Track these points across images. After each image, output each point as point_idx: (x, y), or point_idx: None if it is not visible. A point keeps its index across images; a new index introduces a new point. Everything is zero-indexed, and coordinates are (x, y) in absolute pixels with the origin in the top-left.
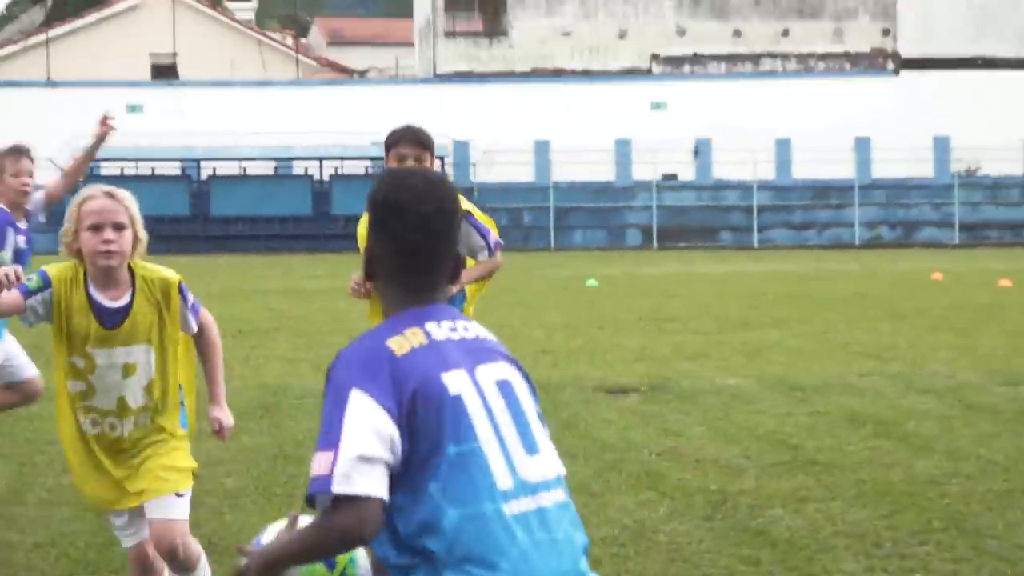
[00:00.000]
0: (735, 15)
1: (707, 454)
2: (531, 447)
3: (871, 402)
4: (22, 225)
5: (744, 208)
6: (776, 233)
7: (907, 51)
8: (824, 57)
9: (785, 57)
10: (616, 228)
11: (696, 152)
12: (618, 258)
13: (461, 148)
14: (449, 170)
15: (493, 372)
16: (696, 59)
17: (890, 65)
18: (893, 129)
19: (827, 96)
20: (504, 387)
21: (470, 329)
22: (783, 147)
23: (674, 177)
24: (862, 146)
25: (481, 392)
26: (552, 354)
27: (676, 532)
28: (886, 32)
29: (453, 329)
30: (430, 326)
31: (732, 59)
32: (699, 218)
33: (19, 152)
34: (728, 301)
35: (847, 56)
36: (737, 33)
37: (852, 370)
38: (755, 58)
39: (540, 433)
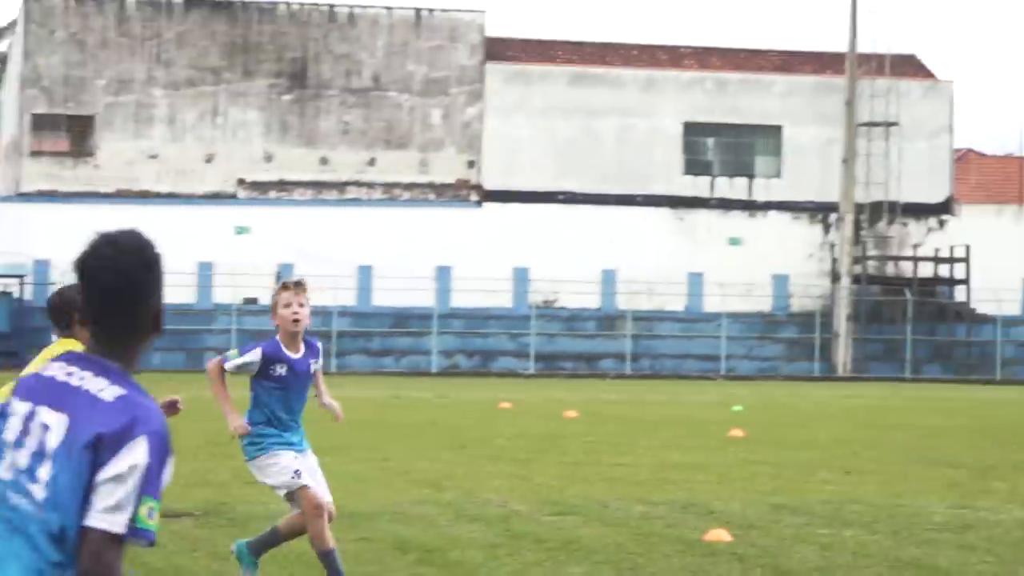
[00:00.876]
0: (323, 143)
1: None
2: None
3: (421, 530)
4: None
5: (323, 333)
6: (354, 359)
7: (491, 183)
8: (410, 187)
9: (371, 185)
10: (195, 351)
11: (278, 276)
12: (193, 381)
13: (42, 267)
14: (29, 290)
15: (47, 415)
16: (282, 185)
17: (474, 196)
18: (475, 259)
19: (411, 224)
20: (42, 428)
21: (79, 379)
22: (365, 274)
23: (255, 301)
24: (443, 275)
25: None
26: None
27: None
28: (471, 164)
29: (69, 373)
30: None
31: (318, 186)
32: None
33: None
34: None
35: (432, 186)
36: (324, 160)
37: (407, 498)
38: (341, 186)
39: (47, 474)
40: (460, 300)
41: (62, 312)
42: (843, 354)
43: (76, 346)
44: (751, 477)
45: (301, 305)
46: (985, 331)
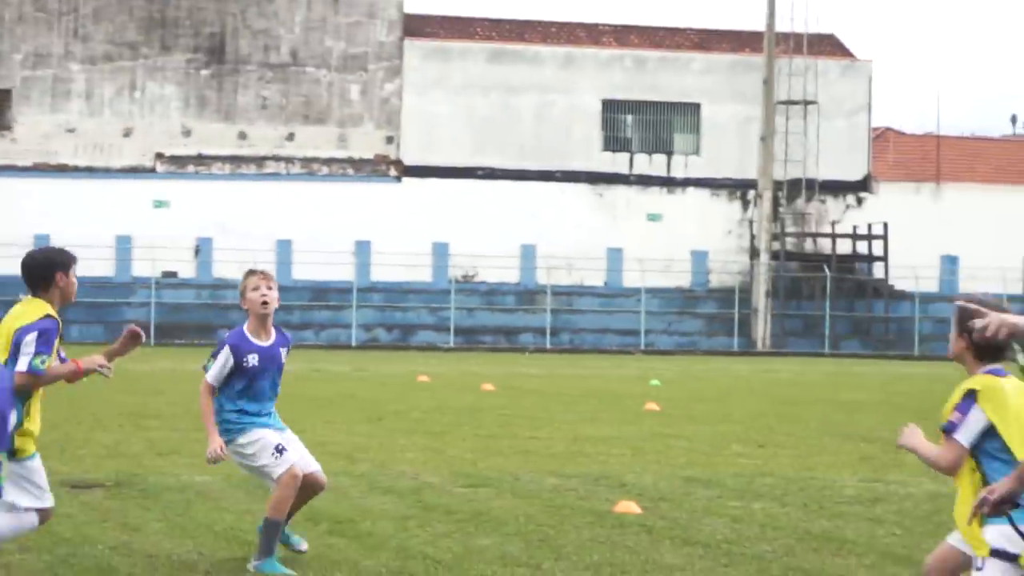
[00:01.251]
0: (241, 117)
1: (161, 549)
2: None
3: (333, 501)
4: None
5: (243, 307)
6: None
7: (410, 159)
8: (328, 162)
9: (289, 160)
10: (114, 324)
11: (197, 250)
12: None
13: None
14: None
15: None
16: (200, 159)
17: (393, 172)
18: (394, 233)
19: (330, 199)
20: None
21: None
22: (284, 248)
23: (174, 275)
24: (363, 249)
25: None
26: None
27: None
28: (390, 139)
29: None
30: None
31: (236, 160)
32: (198, 316)
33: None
34: None
35: (351, 161)
36: (242, 135)
37: (324, 469)
38: (259, 160)
39: None
40: (380, 274)
41: (41, 273)
42: (762, 330)
43: (43, 306)
44: (665, 450)
45: (270, 288)
46: (903, 308)
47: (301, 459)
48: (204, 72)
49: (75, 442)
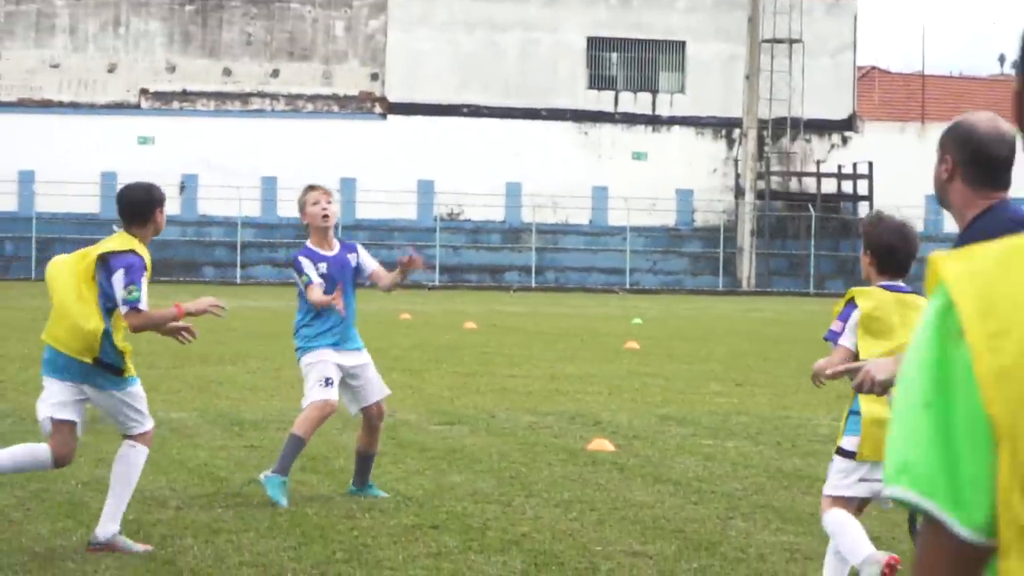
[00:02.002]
0: (226, 54)
1: None
2: None
3: None
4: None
5: (228, 244)
6: (259, 270)
7: (395, 96)
8: (313, 99)
9: (274, 97)
10: None
11: (182, 187)
12: None
13: None
14: None
15: None
16: (185, 96)
17: (378, 109)
18: (378, 171)
19: (315, 136)
20: None
21: None
22: (269, 185)
23: None
24: (348, 186)
25: None
26: (1, 384)
27: (86, 560)
28: (375, 76)
29: None
30: None
31: (221, 97)
32: (183, 253)
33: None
34: None
35: (336, 98)
36: (227, 72)
37: (296, 406)
38: (244, 97)
39: None
40: (365, 212)
41: (141, 209)
42: (747, 269)
43: (131, 240)
44: (641, 389)
45: (329, 202)
46: None
47: (362, 392)
48: (188, 8)
49: None
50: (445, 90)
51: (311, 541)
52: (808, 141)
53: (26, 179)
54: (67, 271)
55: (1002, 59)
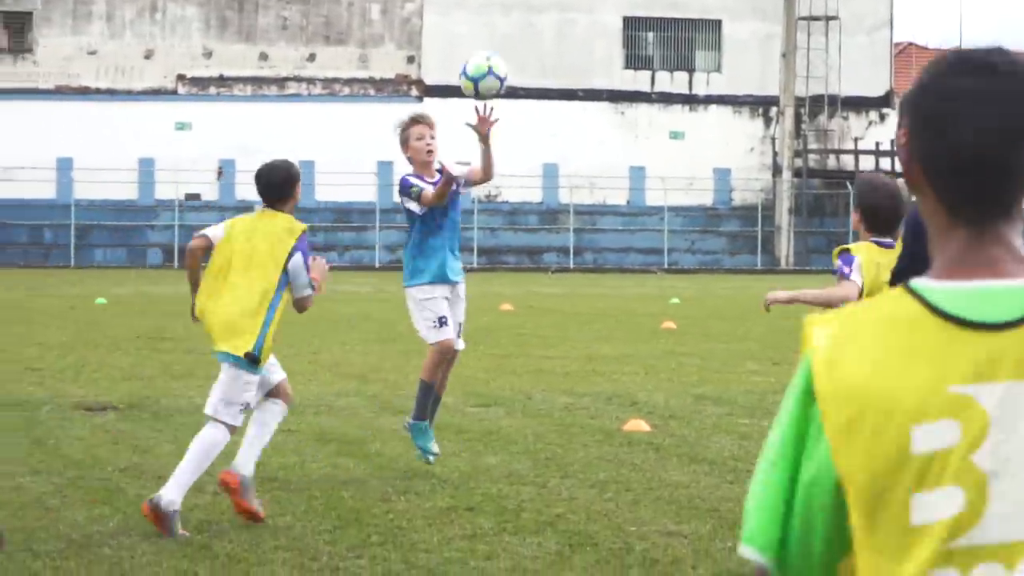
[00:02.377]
0: (262, 39)
1: (169, 471)
2: None
3: (344, 421)
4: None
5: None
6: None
7: (431, 78)
8: (349, 82)
9: (311, 81)
10: (137, 247)
11: (220, 173)
12: (136, 277)
13: None
14: None
15: None
16: (222, 81)
17: (414, 91)
18: None
19: (351, 120)
20: None
21: None
22: (307, 169)
23: (197, 197)
24: (384, 170)
25: None
26: (39, 372)
27: (122, 546)
28: (411, 59)
29: None
30: None
31: (258, 82)
32: None
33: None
34: None
35: (372, 82)
36: (263, 56)
37: (333, 390)
38: (281, 81)
39: None
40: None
41: (282, 186)
42: (785, 247)
43: (280, 217)
44: (677, 368)
45: (432, 137)
46: None
47: (453, 334)
48: None
49: (90, 365)
50: None
51: (347, 524)
52: (845, 118)
53: (64, 166)
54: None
55: None
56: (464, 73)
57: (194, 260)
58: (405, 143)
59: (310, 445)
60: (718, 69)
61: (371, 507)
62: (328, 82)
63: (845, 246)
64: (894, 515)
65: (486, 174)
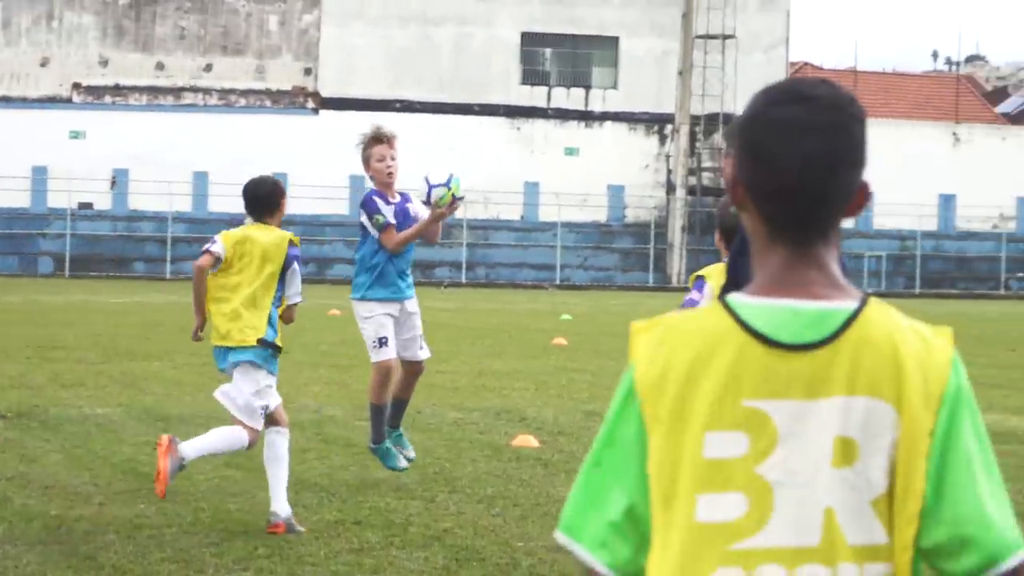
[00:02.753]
0: (159, 48)
1: (57, 480)
2: None
3: None
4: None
5: (158, 239)
6: (189, 265)
7: (328, 91)
8: (246, 93)
9: (207, 92)
10: (29, 255)
11: (113, 182)
12: (26, 286)
13: None
14: None
15: None
16: (118, 90)
17: (310, 104)
18: (310, 166)
19: (247, 131)
20: None
21: None
22: (201, 180)
23: (90, 206)
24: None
25: None
26: None
27: (7, 555)
28: (308, 71)
29: None
30: None
31: (154, 91)
32: (114, 248)
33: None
34: (122, 331)
35: (269, 93)
36: (160, 66)
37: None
38: (177, 91)
39: None
40: (296, 207)
41: (269, 199)
42: (677, 265)
43: (270, 229)
44: (568, 384)
45: (393, 158)
46: None
47: (408, 344)
48: (122, 2)
49: None
50: (378, 85)
51: (233, 537)
52: None
53: None
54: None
55: (935, 55)
56: (447, 184)
57: (202, 278)
58: (366, 162)
59: (199, 458)
60: (614, 86)
61: (258, 520)
62: (224, 93)
63: (700, 272)
64: (682, 512)
65: (431, 240)
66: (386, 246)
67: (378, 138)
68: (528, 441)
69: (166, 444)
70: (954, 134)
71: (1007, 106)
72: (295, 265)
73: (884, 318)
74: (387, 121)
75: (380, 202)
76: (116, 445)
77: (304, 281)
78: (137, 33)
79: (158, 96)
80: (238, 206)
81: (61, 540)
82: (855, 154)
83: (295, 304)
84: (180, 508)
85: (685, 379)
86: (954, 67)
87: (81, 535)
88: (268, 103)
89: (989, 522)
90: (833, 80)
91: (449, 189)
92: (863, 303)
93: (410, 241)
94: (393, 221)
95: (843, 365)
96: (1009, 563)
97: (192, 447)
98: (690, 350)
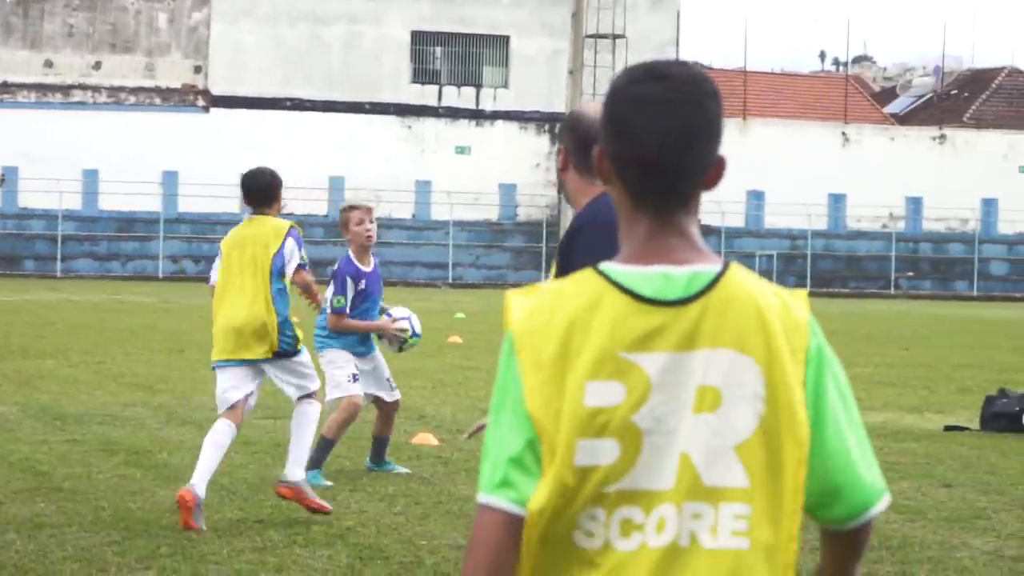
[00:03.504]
0: (47, 45)
1: None
2: None
3: (131, 432)
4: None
5: (49, 238)
6: (80, 264)
7: (218, 89)
8: (136, 91)
9: (96, 89)
10: None
11: (2, 180)
12: None
13: None
14: None
15: None
16: (6, 87)
17: (200, 102)
18: (201, 164)
19: (137, 129)
20: None
21: None
22: (91, 178)
23: None
24: (170, 180)
25: None
26: None
27: None
28: (198, 69)
29: None
30: None
31: (42, 89)
32: (3, 246)
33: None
34: (14, 329)
35: (158, 91)
36: (49, 63)
37: (119, 400)
38: (66, 89)
39: None
40: (187, 205)
41: (267, 191)
42: None
43: (267, 220)
44: (464, 383)
45: (372, 222)
46: (710, 242)
47: (379, 387)
48: None
49: None
50: (269, 83)
51: (135, 535)
52: None
53: None
54: None
55: (823, 55)
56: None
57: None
58: (345, 225)
59: (96, 455)
60: (505, 85)
61: (159, 518)
62: (114, 90)
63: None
64: (563, 456)
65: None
66: (329, 324)
67: (355, 206)
68: (427, 439)
69: (191, 503)
70: (843, 134)
71: (895, 106)
72: (289, 241)
73: (746, 280)
74: (278, 119)
75: (350, 283)
76: (13, 444)
77: (195, 279)
78: (25, 30)
79: (47, 94)
80: (129, 204)
81: None
82: (710, 129)
83: (297, 270)
84: (80, 507)
85: (566, 332)
86: (842, 67)
87: None
88: (158, 101)
89: (857, 472)
90: (687, 60)
91: (412, 335)
92: (725, 266)
93: (354, 332)
94: (347, 311)
95: (710, 320)
96: (877, 508)
97: (202, 483)
98: (570, 306)
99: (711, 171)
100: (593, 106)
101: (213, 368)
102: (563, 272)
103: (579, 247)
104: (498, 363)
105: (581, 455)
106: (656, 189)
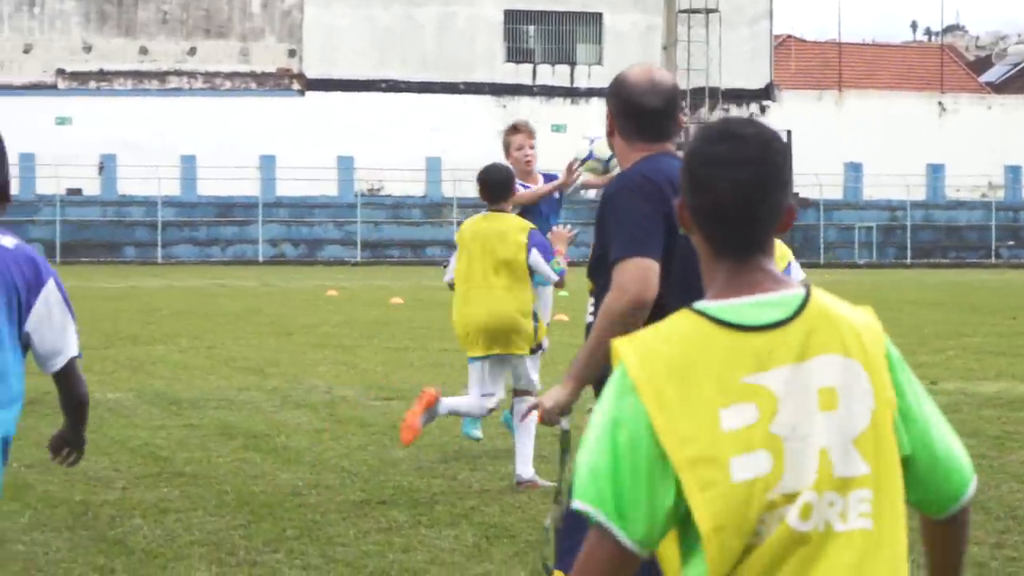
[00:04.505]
0: (142, 32)
1: (77, 466)
2: None
3: (246, 416)
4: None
5: (148, 224)
6: (180, 249)
7: (312, 72)
8: (231, 76)
9: (191, 75)
10: None
11: (101, 167)
12: None
13: None
14: None
15: None
16: (102, 75)
17: (295, 85)
18: (298, 148)
19: (233, 114)
20: None
21: None
22: (188, 164)
23: (78, 192)
24: (267, 164)
25: None
26: None
27: (35, 542)
28: (292, 53)
29: None
30: None
31: (138, 76)
32: (103, 233)
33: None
34: (122, 316)
35: (253, 75)
36: (144, 50)
37: (232, 384)
38: (161, 75)
39: None
40: (285, 189)
41: (505, 186)
42: None
43: (507, 217)
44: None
45: (532, 148)
46: (808, 215)
47: None
48: None
49: None
50: (363, 65)
51: (260, 519)
52: (727, 110)
53: None
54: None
55: (914, 26)
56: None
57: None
58: (507, 149)
59: (215, 439)
60: (599, 62)
61: (283, 501)
62: (209, 76)
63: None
64: (720, 477)
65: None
66: (519, 200)
67: (517, 128)
68: None
69: (430, 396)
70: (940, 104)
71: (990, 75)
72: (534, 253)
73: (828, 298)
74: (373, 101)
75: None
76: (131, 430)
77: (295, 263)
78: (120, 18)
79: (143, 81)
80: (227, 189)
81: (88, 525)
82: (780, 180)
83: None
84: (203, 491)
85: (683, 372)
86: (935, 37)
87: (108, 520)
88: (253, 85)
89: (955, 455)
90: (757, 120)
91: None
92: (808, 289)
93: (530, 201)
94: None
95: (815, 332)
96: (971, 490)
97: (445, 404)
98: (677, 349)
99: (783, 218)
100: (635, 71)
101: (470, 361)
102: (601, 237)
103: (610, 212)
104: (611, 398)
105: (737, 471)
106: (734, 238)
